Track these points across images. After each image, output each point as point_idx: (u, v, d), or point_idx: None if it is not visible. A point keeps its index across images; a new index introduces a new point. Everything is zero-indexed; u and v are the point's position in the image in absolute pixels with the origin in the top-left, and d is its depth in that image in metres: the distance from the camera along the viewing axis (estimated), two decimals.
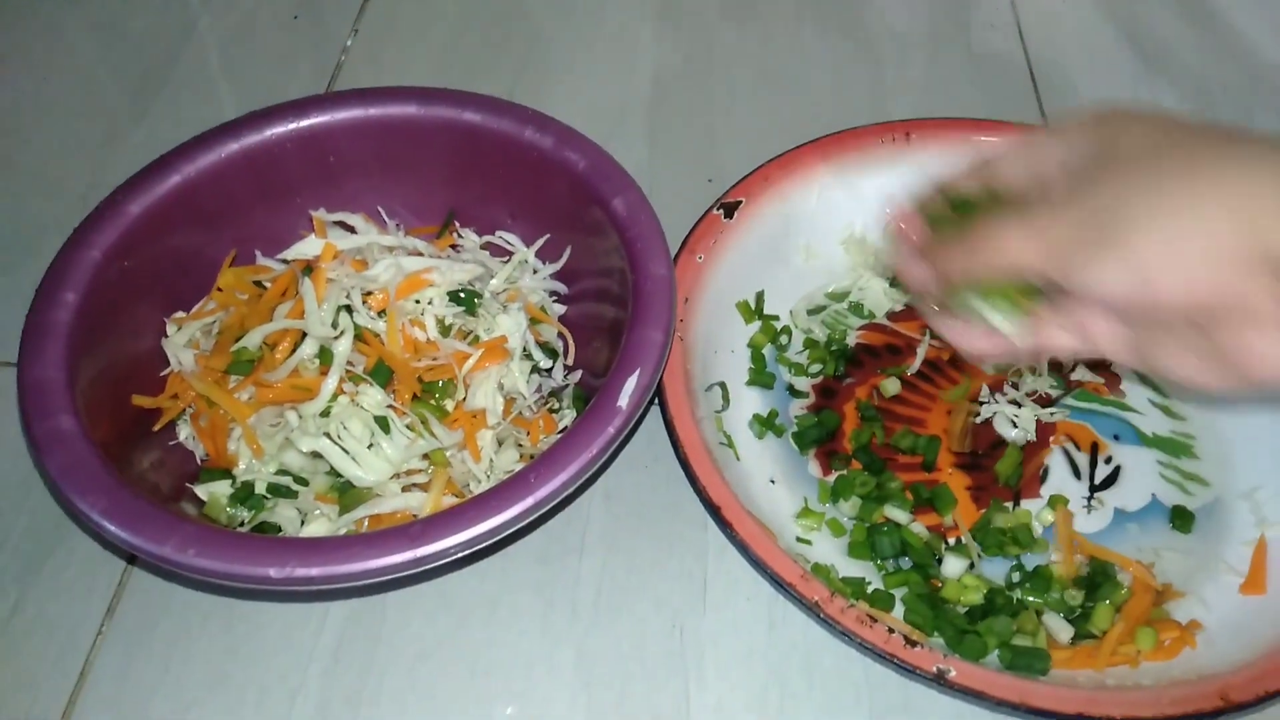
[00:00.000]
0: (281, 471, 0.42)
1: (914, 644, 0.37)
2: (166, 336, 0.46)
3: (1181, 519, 0.45)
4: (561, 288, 0.50)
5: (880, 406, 0.49)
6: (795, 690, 0.41)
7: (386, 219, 0.50)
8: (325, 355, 0.42)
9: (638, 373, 0.39)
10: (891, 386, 0.49)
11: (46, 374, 0.39)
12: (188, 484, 0.43)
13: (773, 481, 0.46)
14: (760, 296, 0.51)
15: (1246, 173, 0.30)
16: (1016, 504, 0.46)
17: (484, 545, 0.36)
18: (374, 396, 0.42)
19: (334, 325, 0.43)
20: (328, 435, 0.41)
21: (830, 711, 0.41)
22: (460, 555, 0.36)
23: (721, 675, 0.42)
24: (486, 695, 0.41)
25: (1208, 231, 0.30)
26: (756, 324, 0.51)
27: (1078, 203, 0.32)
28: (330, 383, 0.41)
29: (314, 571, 0.34)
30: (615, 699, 0.41)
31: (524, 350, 0.46)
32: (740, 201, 0.51)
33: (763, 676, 0.42)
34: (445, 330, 0.45)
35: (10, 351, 0.49)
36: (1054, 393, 0.49)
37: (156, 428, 0.44)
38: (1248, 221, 0.29)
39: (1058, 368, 0.50)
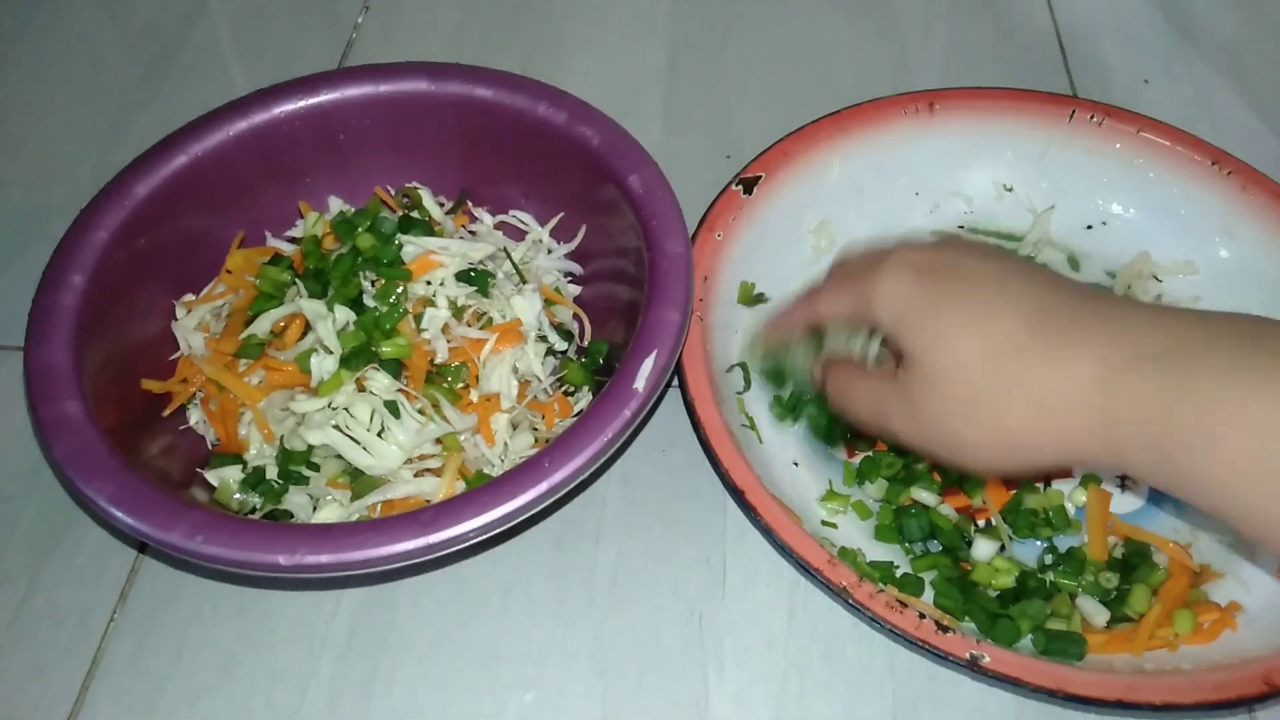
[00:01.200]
0: (292, 456, 0.42)
1: (946, 629, 0.36)
2: (175, 320, 0.45)
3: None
4: (577, 268, 0.49)
5: None
6: (817, 679, 0.40)
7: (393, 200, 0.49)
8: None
9: (654, 354, 0.38)
10: None
11: (53, 358, 0.38)
12: (198, 469, 0.42)
13: (796, 464, 0.45)
14: (750, 287, 0.49)
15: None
16: (1048, 484, 0.44)
17: (497, 532, 0.35)
18: (382, 381, 0.41)
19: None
20: (336, 426, 0.41)
21: (853, 701, 0.40)
22: (474, 542, 0.35)
23: (741, 664, 0.41)
24: (501, 683, 0.40)
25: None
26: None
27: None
28: (327, 364, 0.41)
29: (324, 559, 0.33)
30: (632, 687, 0.40)
31: (539, 333, 0.44)
32: (759, 177, 0.49)
33: (783, 665, 0.41)
34: (458, 312, 0.44)
35: (20, 335, 0.49)
36: None
37: (166, 412, 0.43)
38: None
39: None
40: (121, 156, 0.45)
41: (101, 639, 0.41)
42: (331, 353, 0.41)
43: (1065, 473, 0.45)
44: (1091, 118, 0.51)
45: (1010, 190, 0.53)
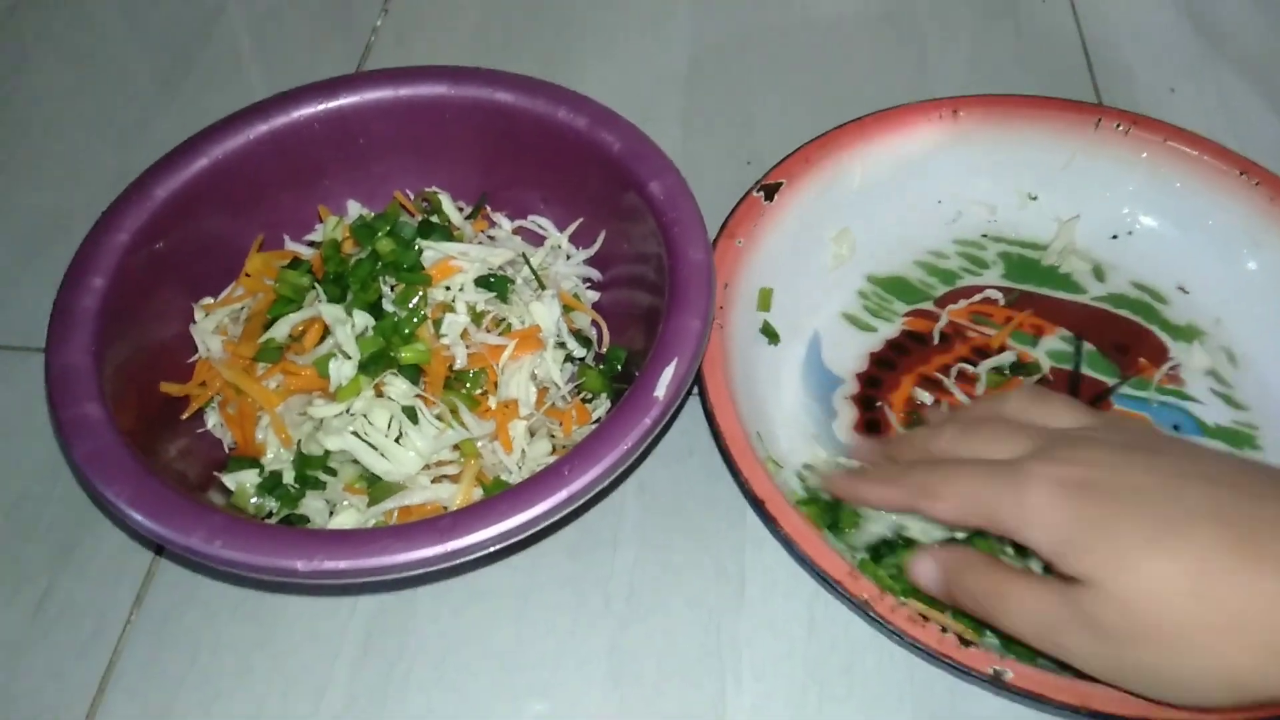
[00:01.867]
0: (310, 460, 0.41)
1: (968, 644, 0.36)
2: (194, 322, 0.45)
3: None
4: (596, 274, 0.49)
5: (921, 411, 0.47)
6: (836, 692, 0.40)
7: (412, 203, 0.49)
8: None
9: (675, 362, 0.38)
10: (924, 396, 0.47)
11: (73, 360, 0.38)
12: (215, 473, 0.42)
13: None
14: (770, 294, 0.48)
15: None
16: None
17: (516, 540, 0.35)
18: (400, 387, 0.41)
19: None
20: (354, 432, 0.40)
21: (872, 715, 0.39)
22: (492, 550, 0.34)
23: (759, 675, 0.40)
24: (516, 691, 0.40)
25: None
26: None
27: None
28: (345, 369, 0.40)
29: (341, 565, 0.33)
30: (648, 697, 0.40)
31: (557, 339, 0.44)
32: (781, 183, 0.49)
33: (802, 677, 0.40)
34: (477, 318, 0.43)
35: (41, 336, 0.49)
36: (1110, 381, 0.47)
37: (185, 416, 0.43)
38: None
39: (1121, 351, 0.48)
40: (141, 158, 0.45)
41: (118, 640, 0.41)
42: (350, 358, 0.41)
43: None
44: (1118, 126, 0.50)
45: (1034, 199, 0.52)
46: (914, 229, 0.52)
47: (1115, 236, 0.51)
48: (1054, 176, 0.52)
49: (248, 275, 0.46)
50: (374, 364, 0.40)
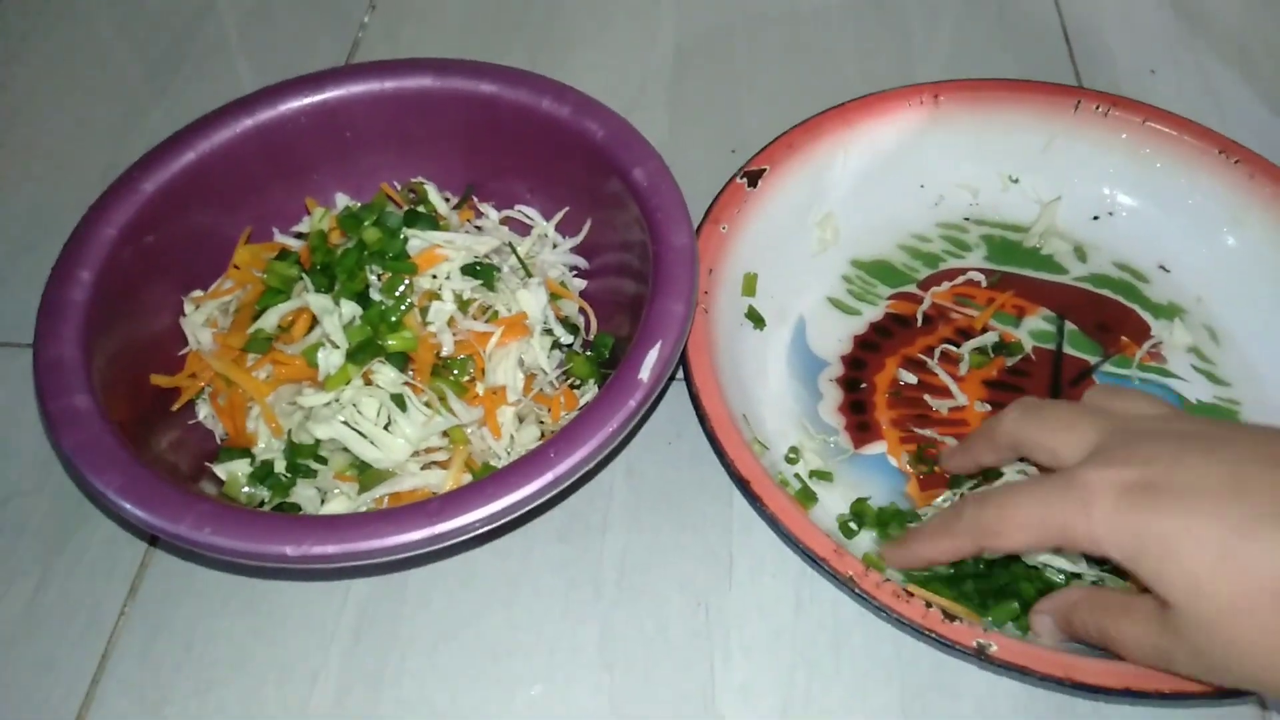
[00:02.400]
0: (300, 449, 0.42)
1: (953, 618, 0.36)
2: (184, 315, 0.45)
3: None
4: (582, 262, 0.49)
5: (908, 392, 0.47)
6: (824, 669, 0.40)
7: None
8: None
9: (659, 345, 0.38)
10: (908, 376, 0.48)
11: (62, 352, 0.38)
12: (207, 463, 0.42)
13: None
14: (754, 280, 0.48)
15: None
16: None
17: (503, 522, 0.35)
18: (388, 375, 0.41)
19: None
20: (344, 421, 0.41)
21: (860, 691, 0.40)
22: (480, 532, 0.35)
23: (748, 654, 0.41)
24: (509, 675, 0.40)
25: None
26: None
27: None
28: (333, 358, 0.41)
29: (330, 549, 0.34)
30: (640, 678, 0.40)
31: (545, 326, 0.45)
32: (764, 170, 0.49)
33: (790, 656, 0.41)
34: (464, 305, 0.44)
35: (31, 332, 0.49)
36: (1092, 360, 0.48)
37: (175, 407, 0.43)
38: None
39: (1103, 330, 0.48)
40: (130, 154, 0.45)
41: (112, 631, 0.41)
42: (338, 347, 0.41)
43: None
44: (1097, 108, 0.51)
45: (1016, 181, 0.53)
46: (897, 213, 0.53)
47: (1096, 217, 0.52)
48: (1035, 159, 0.52)
49: (236, 268, 0.47)
50: (362, 352, 0.41)
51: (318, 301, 0.42)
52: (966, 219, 0.53)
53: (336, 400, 0.41)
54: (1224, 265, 0.49)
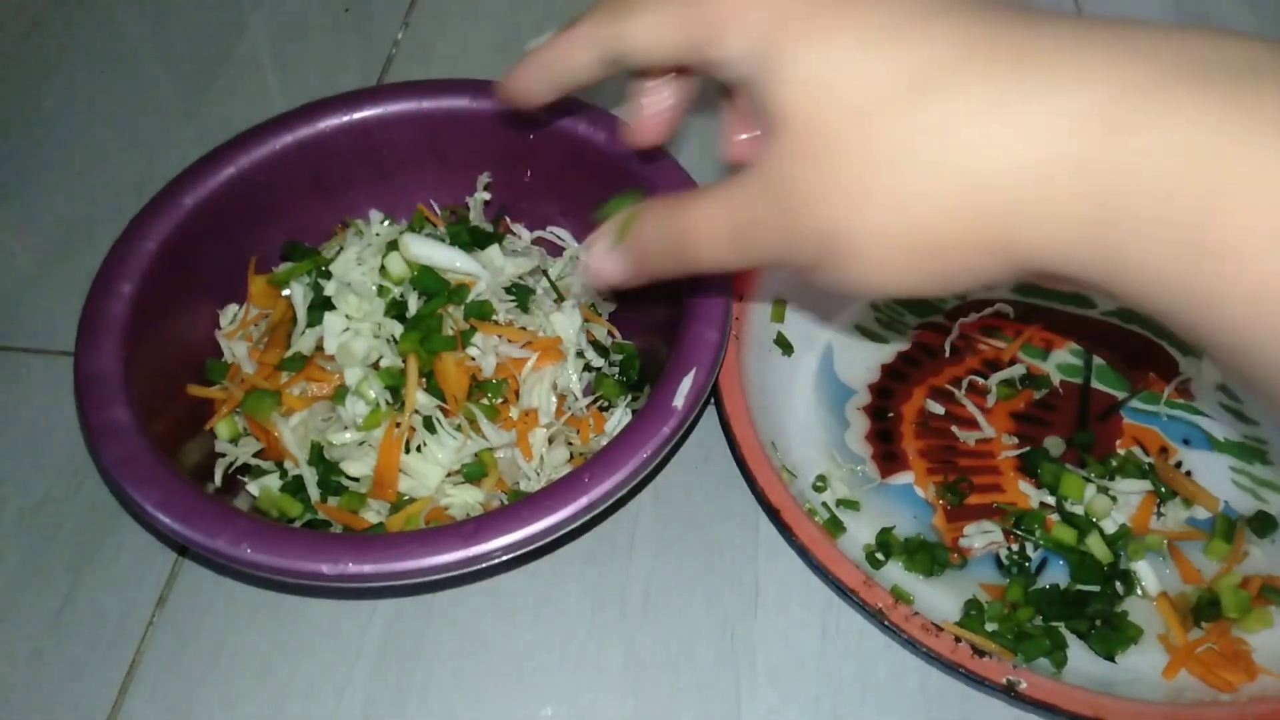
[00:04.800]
0: (333, 467, 0.42)
1: (983, 654, 0.36)
2: (219, 329, 0.45)
3: (1261, 524, 0.43)
4: None
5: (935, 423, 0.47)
6: (849, 700, 0.40)
7: (438, 214, 0.50)
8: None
9: (693, 372, 0.38)
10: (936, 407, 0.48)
11: (102, 366, 0.39)
12: (240, 478, 0.43)
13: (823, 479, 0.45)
14: (783, 307, 0.49)
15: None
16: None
17: (537, 545, 0.35)
18: (421, 399, 0.42)
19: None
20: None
21: None
22: (514, 555, 0.35)
23: (773, 682, 0.41)
24: (534, 696, 0.40)
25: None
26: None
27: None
28: (359, 408, 0.41)
29: (366, 569, 0.34)
30: (664, 703, 0.40)
31: (578, 349, 0.45)
32: None
33: (815, 685, 0.41)
34: (500, 329, 0.44)
35: (66, 340, 0.50)
36: (1120, 395, 0.48)
37: (209, 427, 0.43)
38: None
39: (1131, 365, 0.48)
40: (164, 168, 0.46)
41: (140, 642, 0.42)
42: (364, 398, 0.41)
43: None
44: None
45: None
46: None
47: None
48: None
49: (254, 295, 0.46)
50: (395, 398, 0.41)
51: (352, 374, 0.41)
52: None
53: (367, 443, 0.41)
54: None
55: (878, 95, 0.21)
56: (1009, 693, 0.35)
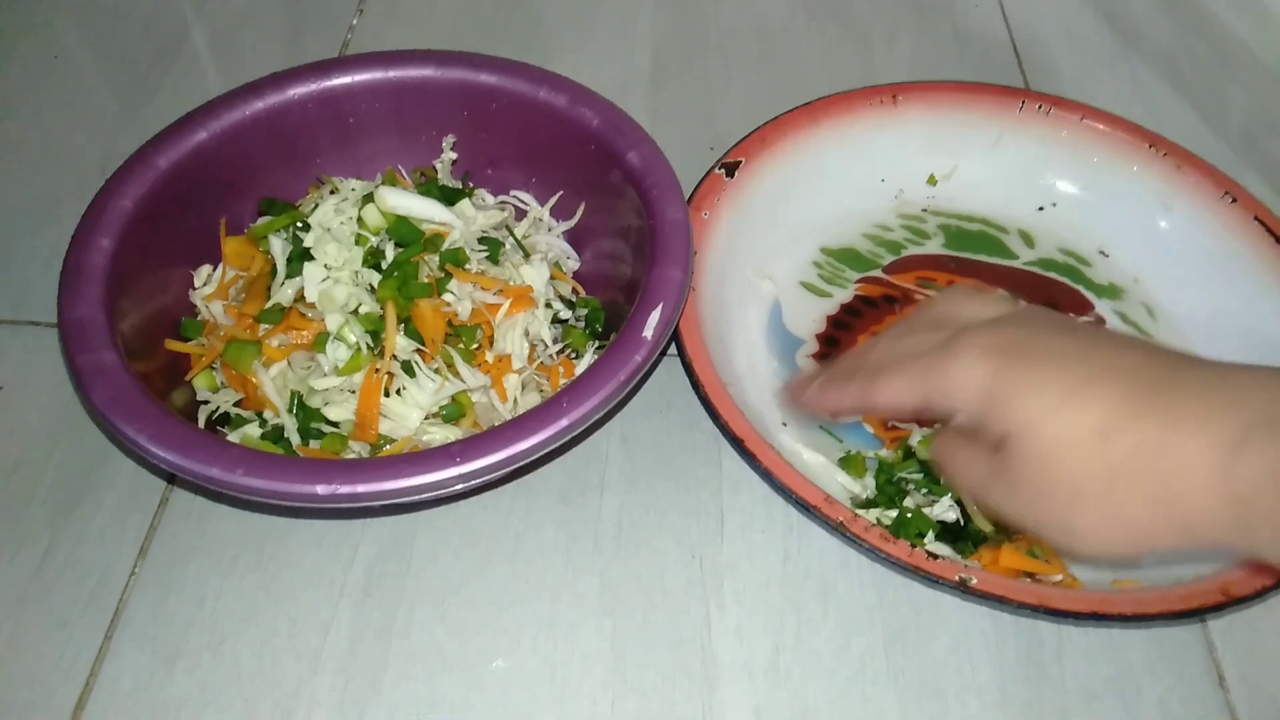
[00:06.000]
0: (312, 413, 0.43)
1: (936, 556, 0.39)
2: (193, 288, 0.47)
3: None
4: (571, 250, 0.52)
5: None
6: (811, 614, 0.43)
7: (406, 177, 0.52)
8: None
9: (660, 306, 0.41)
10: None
11: (86, 313, 0.39)
12: (219, 428, 0.44)
13: (785, 425, 0.48)
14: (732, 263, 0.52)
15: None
16: None
17: (521, 464, 0.37)
18: (400, 343, 0.43)
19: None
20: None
21: (845, 633, 0.43)
22: (499, 474, 0.37)
23: (740, 602, 0.43)
24: (514, 624, 0.42)
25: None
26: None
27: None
28: (340, 352, 0.42)
29: (359, 488, 0.36)
30: (638, 625, 0.42)
31: (547, 299, 0.47)
32: (740, 161, 0.53)
33: (780, 603, 0.43)
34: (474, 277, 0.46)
35: (34, 310, 0.50)
36: None
37: (189, 377, 0.44)
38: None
39: (1052, 308, 0.52)
40: (127, 146, 0.47)
41: (124, 591, 0.42)
42: (345, 341, 0.43)
43: None
44: (1039, 107, 0.56)
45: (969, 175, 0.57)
46: (861, 204, 0.57)
47: (1041, 208, 0.57)
48: (985, 154, 0.57)
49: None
50: (375, 342, 0.43)
51: (333, 320, 0.43)
52: (924, 210, 0.57)
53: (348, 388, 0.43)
54: (1157, 248, 0.54)
55: (1076, 437, 0.31)
56: (962, 587, 0.39)
